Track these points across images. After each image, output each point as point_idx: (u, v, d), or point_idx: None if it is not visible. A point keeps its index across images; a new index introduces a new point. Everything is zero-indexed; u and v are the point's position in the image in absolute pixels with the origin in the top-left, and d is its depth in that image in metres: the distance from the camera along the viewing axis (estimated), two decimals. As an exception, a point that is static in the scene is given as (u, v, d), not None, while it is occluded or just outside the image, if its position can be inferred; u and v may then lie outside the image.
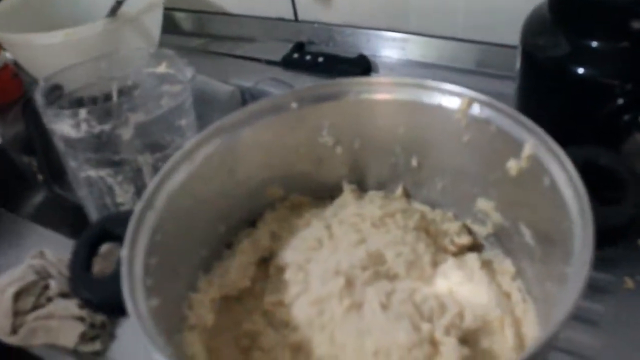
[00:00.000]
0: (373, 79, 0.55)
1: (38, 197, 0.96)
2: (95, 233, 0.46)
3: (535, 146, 0.45)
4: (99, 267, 0.46)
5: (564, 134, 0.45)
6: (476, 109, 0.50)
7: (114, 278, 0.42)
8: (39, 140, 0.75)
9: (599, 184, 0.42)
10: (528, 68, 0.60)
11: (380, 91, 0.54)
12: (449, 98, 0.51)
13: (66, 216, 0.85)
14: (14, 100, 1.01)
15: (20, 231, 0.77)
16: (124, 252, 0.41)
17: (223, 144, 0.52)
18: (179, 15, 1.19)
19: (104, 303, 0.42)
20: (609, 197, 0.43)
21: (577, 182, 0.41)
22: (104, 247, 0.48)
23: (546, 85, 0.58)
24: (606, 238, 0.39)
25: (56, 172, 0.78)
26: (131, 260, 0.41)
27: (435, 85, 0.52)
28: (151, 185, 0.46)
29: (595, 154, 0.46)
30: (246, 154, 0.54)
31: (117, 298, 0.40)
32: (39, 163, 0.80)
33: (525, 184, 0.48)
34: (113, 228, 0.46)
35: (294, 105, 0.54)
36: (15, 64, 1.02)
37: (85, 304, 0.43)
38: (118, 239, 0.45)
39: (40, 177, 0.82)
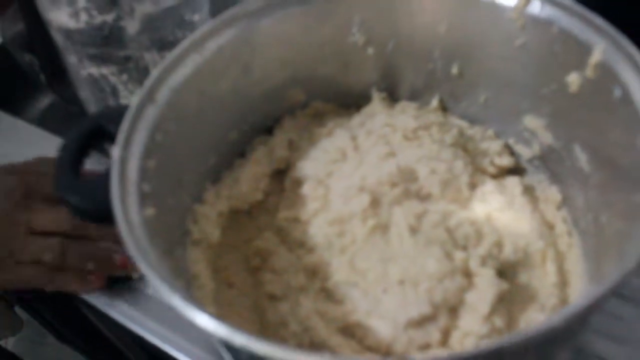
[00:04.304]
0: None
1: (44, 101, 0.89)
2: (86, 129, 0.40)
3: (607, 51, 0.38)
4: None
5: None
6: (536, 7, 0.42)
7: (106, 181, 0.36)
8: (37, 34, 0.68)
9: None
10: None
11: (422, -18, 0.46)
12: (504, -8, 0.43)
13: (72, 123, 0.79)
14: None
15: (24, 136, 0.72)
16: (116, 151, 0.35)
17: (238, 35, 0.45)
18: None
19: (93, 209, 0.37)
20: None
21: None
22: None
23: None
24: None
25: (58, 72, 0.72)
26: (125, 161, 0.36)
27: (488, -24, 0.44)
28: (153, 75, 0.40)
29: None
30: (264, 49, 0.47)
31: (108, 204, 0.35)
32: (40, 60, 0.74)
33: (589, 97, 0.41)
34: (108, 124, 0.40)
35: (321, -6, 0.46)
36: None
37: (72, 210, 0.38)
38: (113, 137, 0.40)
39: (42, 77, 0.76)
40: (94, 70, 0.58)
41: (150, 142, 0.38)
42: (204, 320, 0.27)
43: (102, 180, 0.38)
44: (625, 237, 0.32)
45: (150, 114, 0.39)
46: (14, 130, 0.73)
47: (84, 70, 0.59)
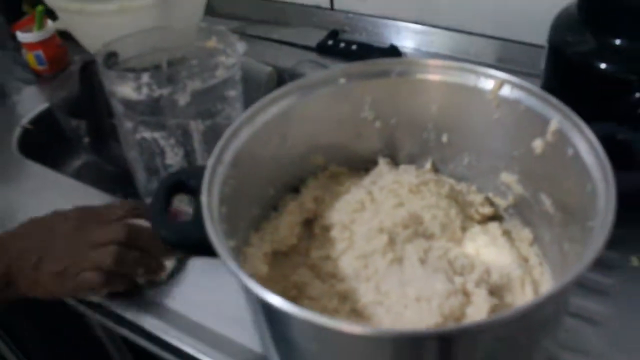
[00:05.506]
0: (416, 60, 0.59)
1: (79, 160, 1.02)
2: (172, 182, 0.51)
3: (561, 122, 0.50)
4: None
5: (586, 119, 0.49)
6: (507, 90, 0.55)
7: (191, 222, 0.47)
8: (89, 102, 0.79)
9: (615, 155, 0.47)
10: (555, 63, 0.66)
11: (420, 72, 0.59)
12: (484, 80, 0.56)
13: (105, 178, 0.91)
14: (60, 70, 1.08)
15: (64, 187, 0.83)
16: (204, 198, 0.46)
17: (279, 112, 0.57)
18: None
19: (179, 241, 0.48)
20: (623, 165, 0.48)
21: (599, 149, 0.46)
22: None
23: (571, 79, 0.64)
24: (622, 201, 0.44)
25: (102, 135, 0.84)
26: (210, 206, 0.46)
27: (471, 68, 0.57)
28: (220, 142, 0.51)
29: (613, 132, 0.52)
30: (297, 123, 0.59)
31: (193, 238, 0.46)
32: (89, 125, 0.85)
33: (549, 157, 0.53)
34: (188, 180, 0.51)
35: (342, 80, 0.59)
36: (60, 34, 1.08)
37: (165, 241, 0.49)
38: (190, 190, 0.51)
39: (87, 139, 0.87)
40: (147, 134, 0.70)
41: (222, 193, 0.49)
42: (280, 302, 0.38)
43: (186, 221, 0.49)
44: (580, 253, 0.44)
45: (220, 171, 0.50)
46: (56, 183, 0.84)
47: (138, 134, 0.70)
